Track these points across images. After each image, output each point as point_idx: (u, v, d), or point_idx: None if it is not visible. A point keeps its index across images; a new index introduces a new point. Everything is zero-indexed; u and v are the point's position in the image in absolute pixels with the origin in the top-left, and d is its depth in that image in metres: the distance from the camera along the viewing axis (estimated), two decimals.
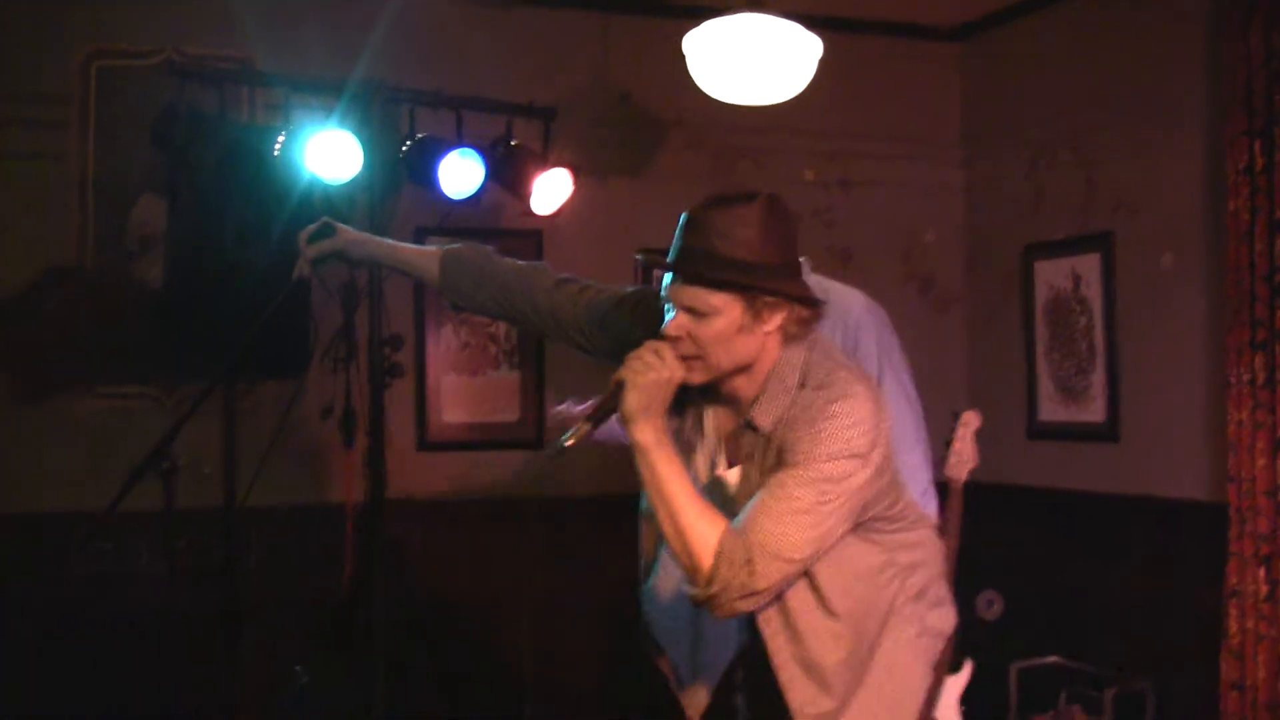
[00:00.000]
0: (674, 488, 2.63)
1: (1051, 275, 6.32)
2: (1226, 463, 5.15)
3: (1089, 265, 6.09)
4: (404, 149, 5.28)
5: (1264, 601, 5.00)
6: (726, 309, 2.65)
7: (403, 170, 5.31)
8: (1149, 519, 5.75)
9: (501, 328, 6.00)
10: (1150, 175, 5.78)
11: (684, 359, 2.68)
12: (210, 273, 4.92)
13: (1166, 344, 5.71)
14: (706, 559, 2.58)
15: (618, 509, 6.12)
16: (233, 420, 5.07)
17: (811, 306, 2.73)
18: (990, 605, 5.62)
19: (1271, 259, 4.98)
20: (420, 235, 5.67)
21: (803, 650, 2.80)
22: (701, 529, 2.60)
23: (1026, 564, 5.69)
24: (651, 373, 2.62)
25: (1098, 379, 6.04)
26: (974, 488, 4.37)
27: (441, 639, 5.71)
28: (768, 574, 2.58)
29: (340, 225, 3.26)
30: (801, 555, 2.61)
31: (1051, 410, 6.31)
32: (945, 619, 3.06)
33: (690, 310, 2.66)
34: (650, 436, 2.63)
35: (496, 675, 5.86)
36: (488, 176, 5.32)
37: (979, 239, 6.75)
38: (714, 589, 2.58)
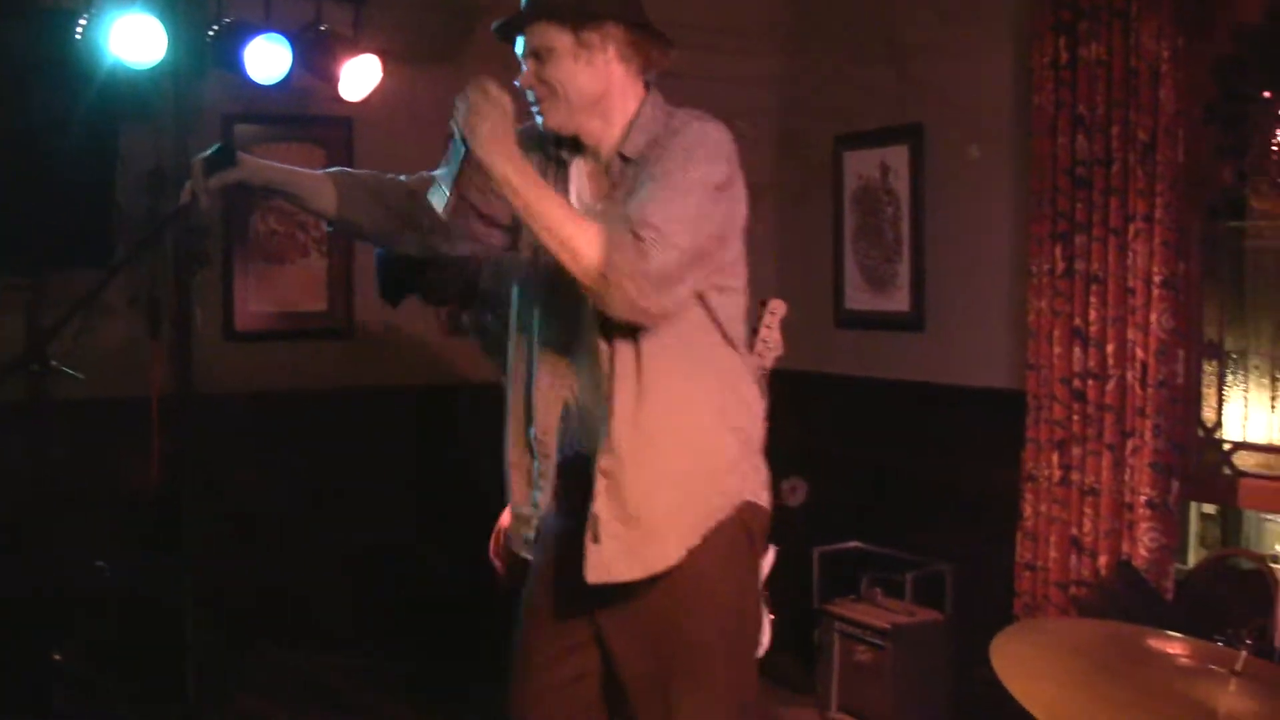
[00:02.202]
0: (546, 203, 2.74)
1: (861, 166, 6.40)
2: (1026, 351, 5.30)
3: (898, 156, 6.18)
4: (211, 33, 5.14)
5: (1057, 485, 5.18)
6: (558, 40, 2.85)
7: (209, 55, 5.17)
8: (951, 406, 5.91)
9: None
10: (959, 69, 5.85)
11: (540, 104, 2.91)
12: (12, 160, 4.73)
13: (972, 235, 5.83)
14: (592, 250, 2.70)
15: (429, 398, 6.15)
16: (38, 311, 4.91)
17: (645, 30, 2.93)
18: (794, 491, 5.72)
19: (1073, 152, 5.09)
20: (228, 122, 5.55)
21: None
22: (583, 227, 2.73)
23: (831, 451, 5.82)
24: (483, 107, 2.72)
25: (904, 269, 6.16)
26: (780, 375, 4.43)
27: (251, 534, 5.64)
28: (655, 253, 2.69)
29: (240, 152, 3.13)
30: (682, 241, 2.74)
31: (858, 299, 6.43)
32: (760, 486, 3.15)
33: (534, 55, 2.88)
34: (508, 165, 2.73)
35: (307, 574, 5.79)
36: (296, 62, 5.21)
37: (789, 130, 6.80)
38: (607, 273, 2.69)
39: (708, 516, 3.01)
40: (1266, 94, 4.93)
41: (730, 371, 3.06)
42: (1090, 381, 5.09)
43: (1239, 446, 5.13)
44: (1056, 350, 5.19)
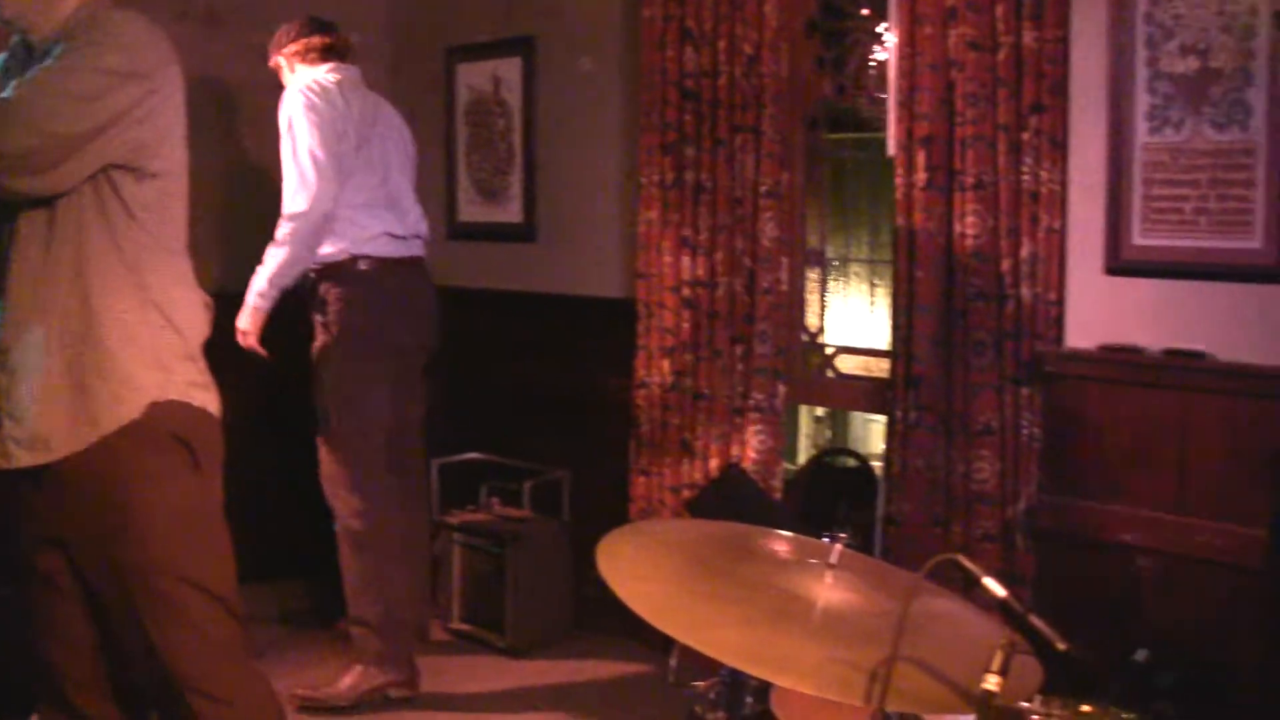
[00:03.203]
0: None
1: (472, 78, 6.31)
2: (637, 260, 5.33)
3: (510, 69, 6.11)
4: None
5: (669, 391, 5.25)
6: None
7: None
8: (565, 316, 5.90)
9: None
10: None
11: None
12: None
13: (583, 146, 5.81)
14: None
15: None
16: None
17: None
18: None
19: (681, 65, 5.13)
20: None
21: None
22: None
23: (448, 363, 5.73)
24: None
25: (516, 180, 6.11)
26: None
27: None
28: (10, 132, 2.69)
29: None
30: (48, 123, 2.72)
31: (471, 211, 6.35)
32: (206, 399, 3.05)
33: None
34: None
35: None
36: None
37: (401, 41, 6.63)
38: None
39: (108, 411, 2.88)
40: (865, 11, 5.06)
41: (143, 262, 2.93)
42: (700, 289, 5.16)
43: (841, 350, 5.30)
44: (666, 259, 5.23)
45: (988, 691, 1.85)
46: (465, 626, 5.61)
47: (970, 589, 2.03)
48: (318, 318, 4.88)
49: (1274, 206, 3.75)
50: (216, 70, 5.77)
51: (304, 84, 4.79)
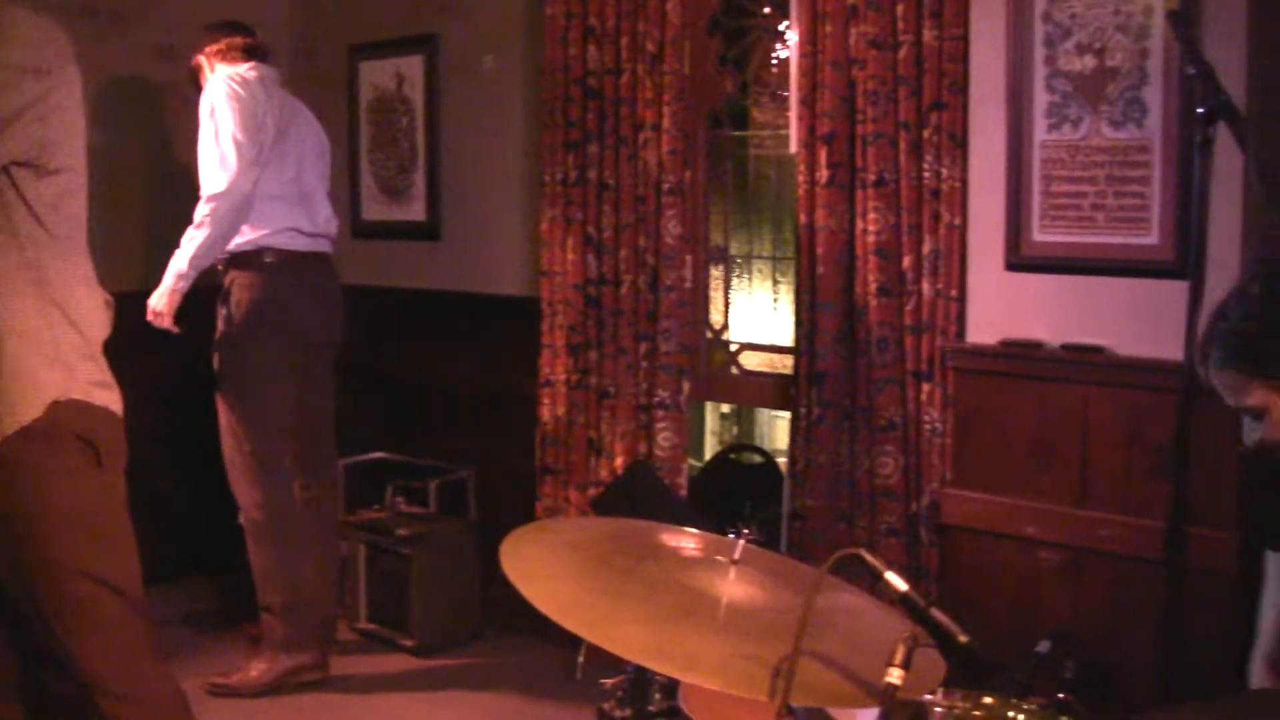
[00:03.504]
0: None
1: (376, 76, 6.21)
2: (540, 258, 5.27)
3: (413, 66, 6.02)
4: None
5: (574, 389, 5.20)
6: None
7: None
8: (469, 314, 5.83)
9: None
10: None
11: None
12: None
13: (486, 144, 5.74)
14: None
15: None
16: None
17: None
18: None
19: (584, 62, 5.07)
20: None
21: None
22: None
23: (352, 362, 5.63)
24: None
25: (420, 178, 6.03)
26: None
27: None
28: None
29: None
30: None
31: (375, 210, 6.26)
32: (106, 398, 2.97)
33: None
34: None
35: None
36: None
37: (303, 38, 6.51)
38: None
39: (9, 411, 2.80)
40: (767, 9, 5.03)
41: (44, 260, 2.85)
42: (603, 287, 5.10)
43: (745, 347, 5.26)
44: (570, 257, 5.18)
45: (890, 685, 1.83)
46: (371, 626, 5.52)
47: (874, 583, 2.02)
48: (222, 309, 4.84)
49: (1170, 203, 3.75)
50: (129, 69, 5.72)
51: (226, 75, 4.80)
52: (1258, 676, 2.50)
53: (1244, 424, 2.23)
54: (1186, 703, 2.42)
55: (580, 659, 4.69)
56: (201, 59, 5.00)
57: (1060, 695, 3.39)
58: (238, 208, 4.66)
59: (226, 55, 4.93)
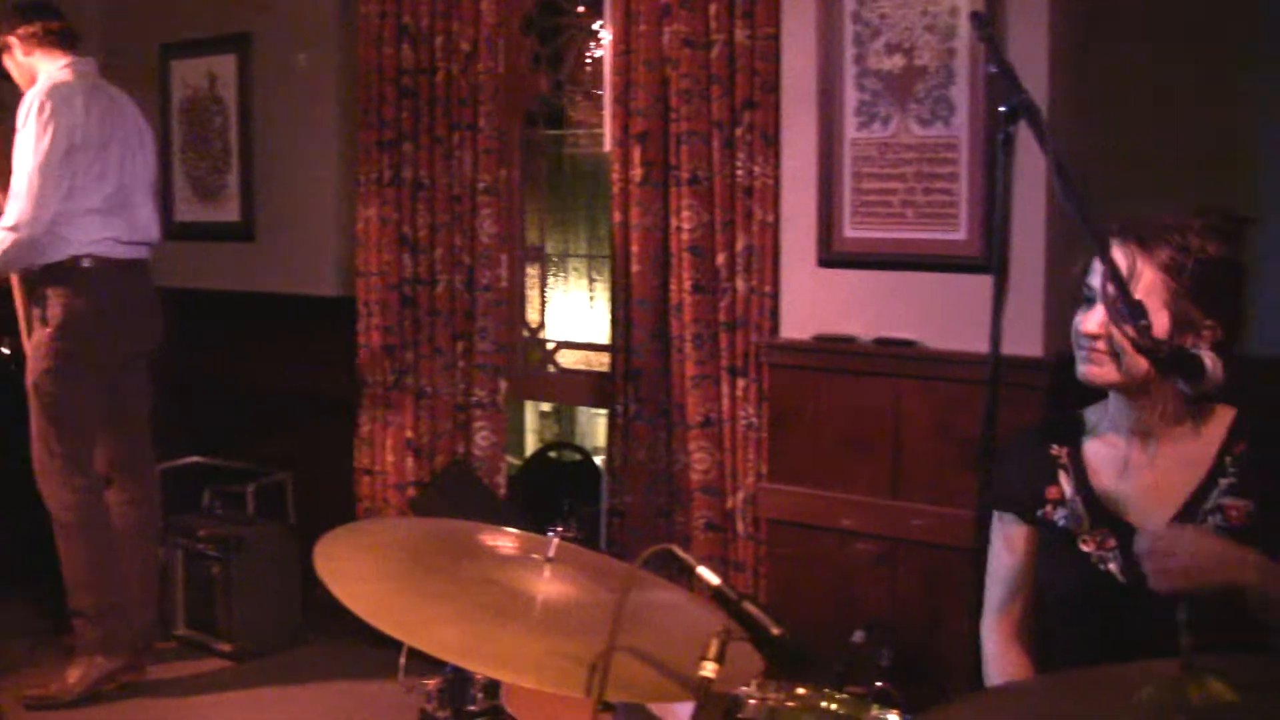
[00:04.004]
0: None
1: (187, 74, 5.96)
2: (356, 259, 5.13)
3: (225, 65, 5.79)
4: None
5: (391, 390, 5.07)
6: None
7: None
8: (285, 316, 5.64)
9: None
10: None
11: None
12: None
13: (301, 144, 5.56)
14: None
15: None
16: None
17: None
18: None
19: (399, 61, 4.93)
20: None
21: None
22: None
23: (167, 365, 5.36)
24: None
25: (233, 179, 5.81)
26: None
27: None
28: None
29: None
30: None
31: (188, 210, 6.00)
32: None
33: None
34: None
35: None
36: None
37: (113, 36, 6.19)
38: None
39: None
40: (581, 8, 4.95)
41: None
42: (419, 287, 5.00)
43: (562, 345, 5.20)
44: (386, 257, 5.06)
45: (704, 678, 1.79)
46: (189, 633, 5.26)
47: (687, 579, 1.97)
48: (35, 312, 4.64)
49: (976, 200, 3.70)
50: None
51: (46, 86, 4.55)
52: (993, 636, 2.50)
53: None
54: (997, 686, 2.42)
55: (402, 660, 4.50)
56: (12, 39, 4.72)
57: (878, 684, 3.35)
58: (33, 243, 4.48)
59: (44, 41, 4.67)
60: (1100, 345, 2.24)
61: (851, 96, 3.90)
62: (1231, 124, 3.68)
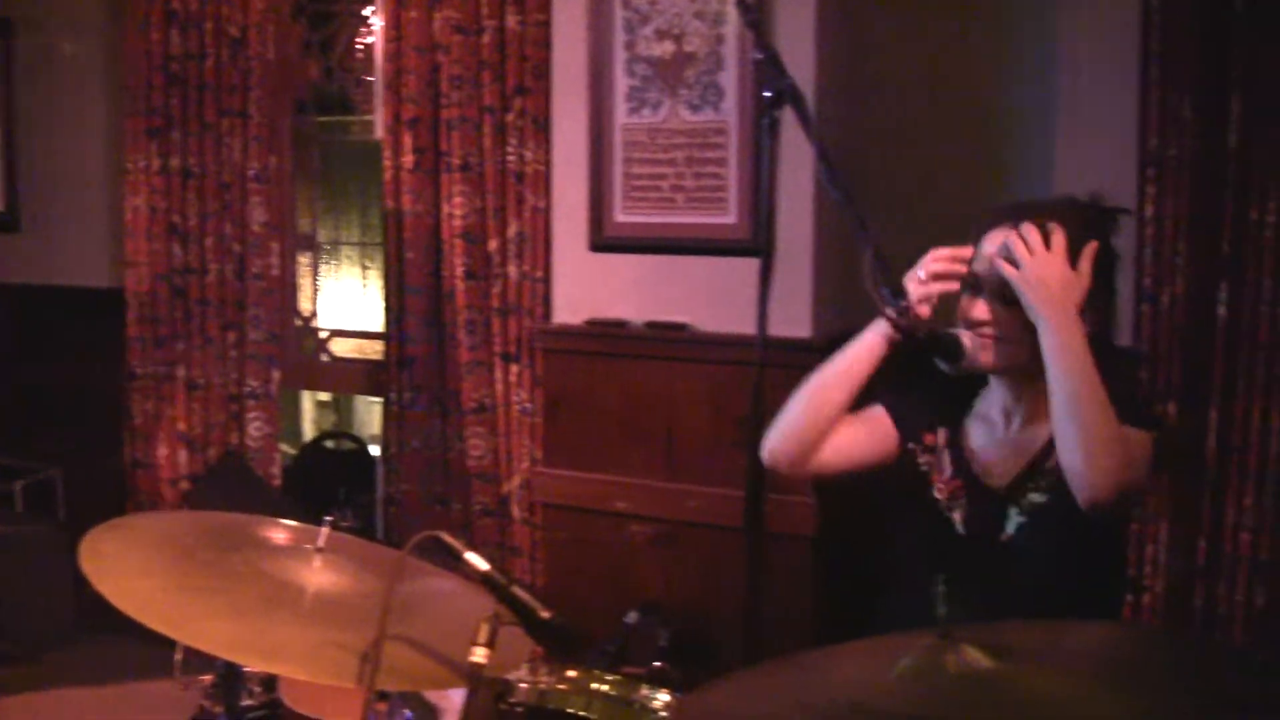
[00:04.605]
0: None
1: None
2: (124, 249, 4.80)
3: None
4: None
5: (162, 381, 4.77)
6: None
7: None
8: (52, 308, 5.25)
9: None
10: None
11: None
12: None
13: (67, 132, 5.17)
14: None
15: None
16: None
17: None
18: None
19: (167, 47, 4.62)
20: None
21: None
22: None
23: None
24: None
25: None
26: None
27: None
28: None
29: None
30: None
31: None
32: None
33: None
34: None
35: None
36: None
37: None
38: None
39: None
40: None
41: None
42: (189, 276, 4.72)
43: (335, 334, 4.98)
44: (155, 246, 4.75)
45: (475, 664, 1.76)
46: None
47: (456, 565, 1.88)
48: None
49: (745, 184, 3.58)
50: None
51: None
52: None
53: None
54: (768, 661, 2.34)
55: (178, 657, 4.22)
56: None
57: (655, 664, 3.23)
58: None
59: None
60: (988, 331, 2.24)
61: (622, 82, 3.74)
62: (994, 101, 3.68)
